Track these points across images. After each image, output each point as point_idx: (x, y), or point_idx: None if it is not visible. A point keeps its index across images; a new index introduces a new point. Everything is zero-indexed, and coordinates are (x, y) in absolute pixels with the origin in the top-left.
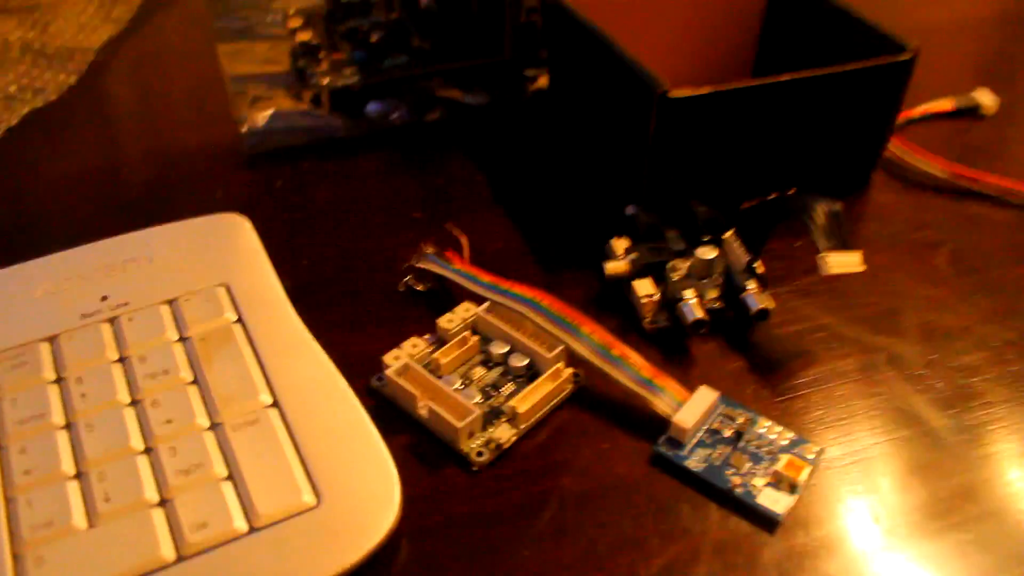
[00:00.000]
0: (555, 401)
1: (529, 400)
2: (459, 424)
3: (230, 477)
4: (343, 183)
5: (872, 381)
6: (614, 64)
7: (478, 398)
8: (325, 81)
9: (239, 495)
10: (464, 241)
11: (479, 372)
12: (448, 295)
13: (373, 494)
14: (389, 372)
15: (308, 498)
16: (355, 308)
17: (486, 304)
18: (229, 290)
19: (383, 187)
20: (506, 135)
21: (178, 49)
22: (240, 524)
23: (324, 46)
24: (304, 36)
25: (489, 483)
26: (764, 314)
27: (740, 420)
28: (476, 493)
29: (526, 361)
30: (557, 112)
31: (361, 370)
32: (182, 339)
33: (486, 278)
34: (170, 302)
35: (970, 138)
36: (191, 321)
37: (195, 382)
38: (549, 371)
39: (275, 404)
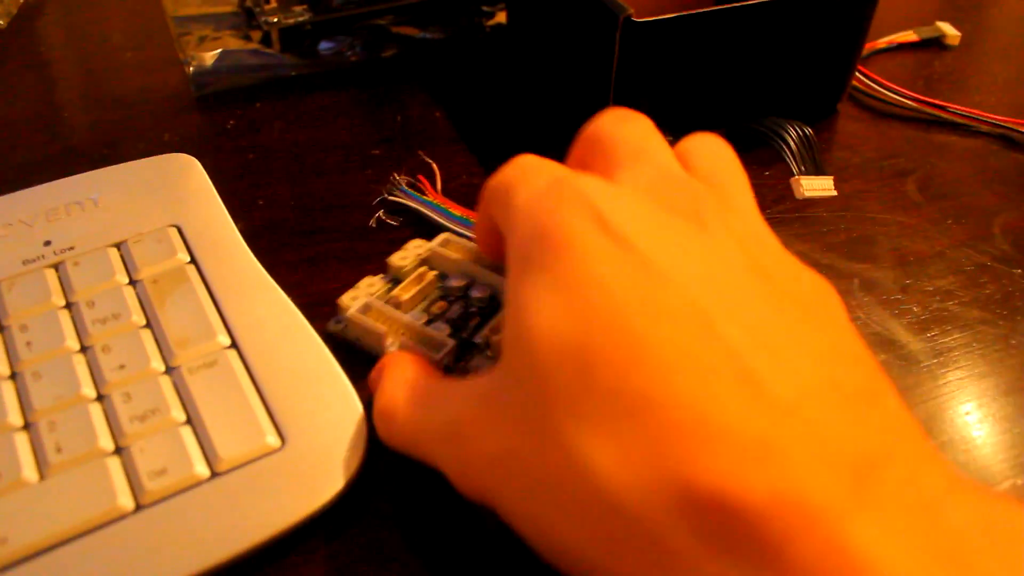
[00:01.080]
0: None
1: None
2: (437, 356)
3: (189, 422)
4: (297, 122)
5: (848, 306)
6: None
7: (448, 331)
8: (275, 19)
9: (199, 440)
10: (436, 169)
11: (441, 306)
12: (420, 228)
13: (339, 436)
14: (351, 312)
15: (272, 440)
16: (312, 248)
17: (440, 238)
18: (180, 231)
19: (338, 126)
20: (464, 71)
21: None
22: (201, 469)
23: None
24: None
25: None
26: None
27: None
28: None
29: (488, 293)
30: (517, 46)
31: (320, 312)
32: (132, 282)
33: (457, 211)
34: (118, 245)
35: (934, 68)
36: (141, 263)
37: (148, 326)
38: None
39: (233, 345)
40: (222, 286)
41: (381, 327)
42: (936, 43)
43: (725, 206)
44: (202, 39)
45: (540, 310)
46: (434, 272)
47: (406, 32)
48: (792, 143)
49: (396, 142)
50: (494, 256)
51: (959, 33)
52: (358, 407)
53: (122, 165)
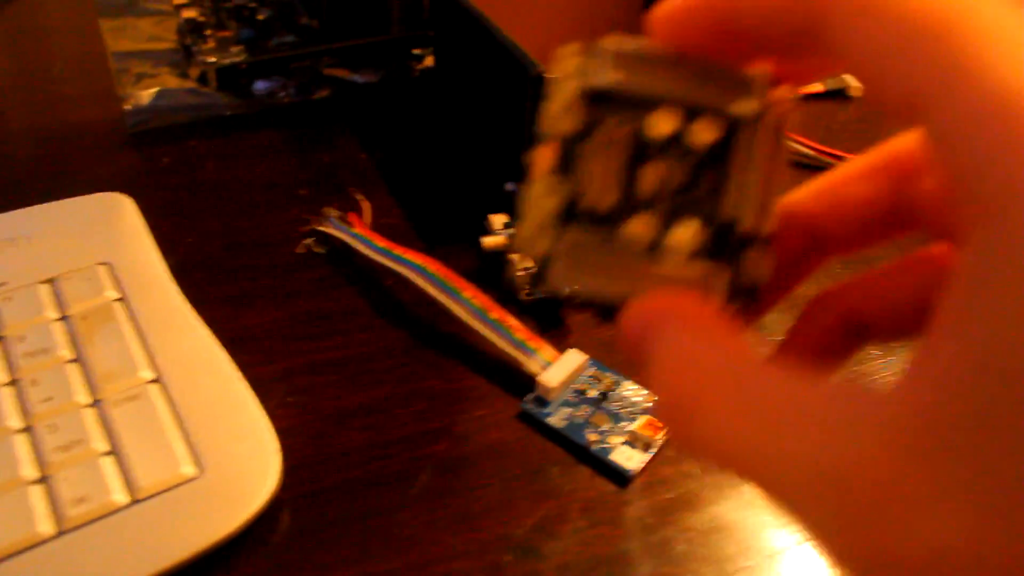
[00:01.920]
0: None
1: (752, 187)
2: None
3: (112, 452)
4: (229, 161)
5: None
6: (492, 45)
7: (690, 231)
8: (212, 59)
9: (121, 469)
10: (366, 206)
11: (655, 178)
12: (344, 261)
13: (253, 464)
14: (559, 281)
15: (189, 469)
16: (239, 284)
17: (608, 48)
18: (111, 268)
19: (269, 165)
20: (393, 113)
21: (58, 24)
22: (120, 497)
23: (211, 23)
24: (190, 13)
25: (368, 451)
26: None
27: (606, 382)
28: (355, 461)
29: (718, 128)
30: (442, 91)
31: (246, 347)
32: (63, 318)
33: (381, 243)
34: (50, 281)
35: (836, 118)
36: (71, 300)
37: (76, 360)
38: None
39: (157, 380)
40: (149, 323)
41: (617, 290)
42: (840, 93)
43: None
44: (140, 76)
45: None
46: (625, 129)
47: (339, 74)
48: None
49: (323, 183)
50: (712, 48)
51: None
52: (272, 438)
53: (56, 203)
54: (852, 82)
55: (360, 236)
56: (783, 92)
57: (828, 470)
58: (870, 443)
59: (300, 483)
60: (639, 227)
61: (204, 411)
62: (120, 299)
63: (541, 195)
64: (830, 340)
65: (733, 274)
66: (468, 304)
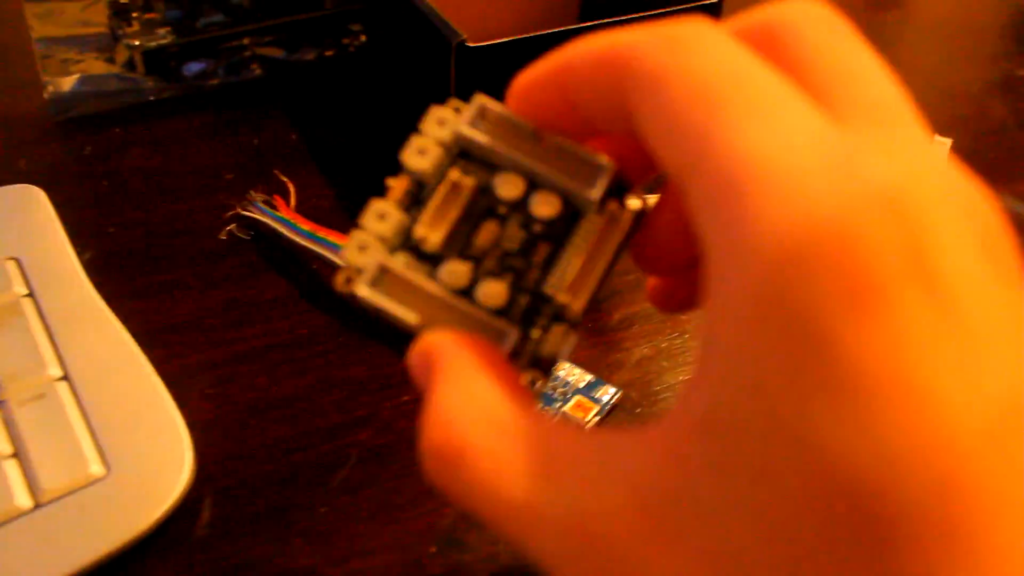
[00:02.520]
0: (614, 254)
1: (575, 270)
2: (500, 348)
3: (15, 454)
4: (154, 148)
5: (677, 320)
6: (416, 17)
7: (505, 293)
8: (136, 42)
9: (24, 472)
10: (291, 188)
11: (490, 234)
12: (269, 246)
13: (164, 462)
14: (361, 289)
15: (96, 469)
16: (160, 275)
17: (475, 104)
18: (19, 264)
19: (196, 150)
20: (327, 92)
21: None
22: (24, 501)
23: (137, 5)
24: None
25: (288, 442)
26: None
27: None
28: (275, 454)
29: (558, 204)
30: (374, 67)
31: (162, 339)
32: None
33: (306, 226)
34: None
35: None
36: None
37: None
38: (593, 209)
39: (65, 377)
40: (58, 319)
41: (410, 316)
42: None
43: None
44: (64, 61)
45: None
46: (472, 180)
47: (270, 54)
48: None
49: (250, 166)
50: (554, 123)
51: None
52: (184, 435)
53: None
54: None
55: (284, 219)
56: (633, 197)
57: (575, 519)
58: (615, 492)
59: (219, 478)
60: (456, 270)
61: (113, 408)
62: (28, 295)
63: (379, 217)
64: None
65: (536, 342)
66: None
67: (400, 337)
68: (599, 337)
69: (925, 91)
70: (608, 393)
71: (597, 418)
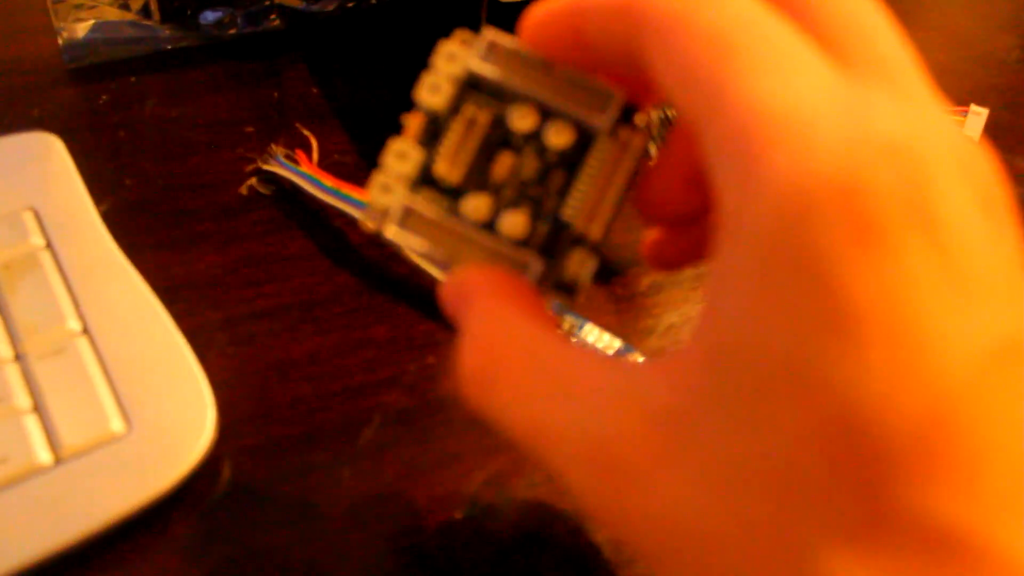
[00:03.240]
0: (627, 178)
1: (592, 196)
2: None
3: (35, 409)
4: (171, 98)
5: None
6: None
7: (523, 219)
8: None
9: (44, 427)
10: (314, 143)
11: (506, 165)
12: (291, 201)
13: (185, 420)
14: (388, 229)
15: (117, 426)
16: (178, 229)
17: (485, 39)
18: (36, 214)
19: (214, 101)
20: (349, 45)
21: None
22: (44, 457)
23: None
24: None
25: (311, 402)
26: None
27: (567, 326)
28: (297, 414)
29: (571, 132)
30: (398, 19)
31: (185, 295)
32: None
33: (329, 182)
34: None
35: None
36: None
37: None
38: (605, 136)
39: (85, 331)
40: (77, 271)
41: (438, 252)
42: None
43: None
44: (78, 7)
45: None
46: (487, 115)
47: (290, 3)
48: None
49: (271, 119)
50: (564, 59)
51: None
52: (205, 392)
53: None
54: None
55: (307, 174)
56: (641, 120)
57: (592, 439)
58: (628, 416)
59: (240, 437)
60: (477, 205)
61: (134, 364)
62: (46, 246)
63: (400, 157)
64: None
65: (557, 269)
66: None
67: (424, 298)
68: (628, 302)
69: (960, 59)
70: (638, 360)
71: None
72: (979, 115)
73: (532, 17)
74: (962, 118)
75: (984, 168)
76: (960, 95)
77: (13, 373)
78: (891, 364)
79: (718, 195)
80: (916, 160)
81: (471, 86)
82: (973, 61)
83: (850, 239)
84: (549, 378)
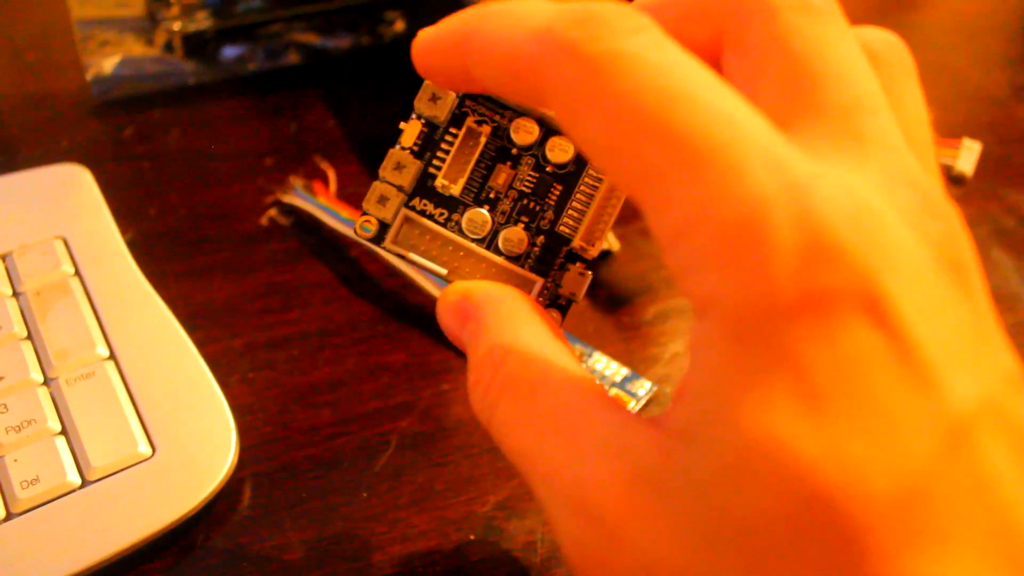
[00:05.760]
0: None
1: (589, 211)
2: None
3: (64, 432)
4: (194, 131)
5: None
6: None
7: (521, 235)
8: (176, 26)
9: (73, 449)
10: (331, 175)
11: (506, 177)
12: (309, 232)
13: (209, 444)
14: (385, 243)
15: (143, 449)
16: (200, 257)
17: None
18: (66, 243)
19: (235, 134)
20: (364, 80)
21: None
22: (73, 478)
23: None
24: None
25: (329, 428)
26: (607, 254)
27: (576, 354)
28: (316, 438)
29: (570, 150)
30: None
31: (207, 321)
32: (16, 294)
33: (346, 213)
34: (3, 257)
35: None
36: (25, 275)
37: (29, 337)
38: None
39: (112, 357)
40: (104, 299)
41: (437, 267)
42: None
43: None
44: (104, 43)
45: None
46: (487, 128)
47: (308, 40)
48: None
49: (289, 151)
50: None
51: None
52: (228, 417)
53: (11, 175)
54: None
55: (324, 206)
56: None
57: (582, 485)
58: (620, 468)
59: (260, 461)
60: (475, 218)
61: (159, 389)
62: (75, 274)
63: (397, 166)
64: None
65: (553, 284)
66: (434, 276)
67: (438, 327)
68: (635, 331)
69: (952, 94)
70: (644, 387)
71: (633, 408)
72: (972, 149)
73: (419, 41)
74: (955, 151)
75: (945, 224)
76: (954, 129)
77: (44, 397)
78: (857, 444)
79: (683, 271)
80: (867, 239)
81: (471, 97)
82: (967, 96)
83: (808, 328)
84: (548, 412)
